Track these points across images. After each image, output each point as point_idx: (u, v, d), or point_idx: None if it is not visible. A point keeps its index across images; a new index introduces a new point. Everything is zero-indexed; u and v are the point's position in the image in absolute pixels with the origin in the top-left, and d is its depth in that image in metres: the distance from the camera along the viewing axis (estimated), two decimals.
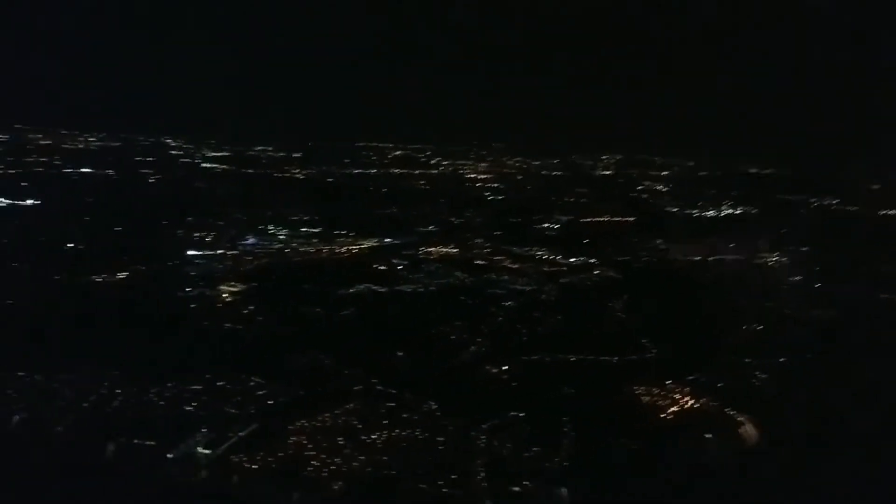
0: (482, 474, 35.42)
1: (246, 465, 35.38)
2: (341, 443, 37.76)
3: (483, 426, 40.12)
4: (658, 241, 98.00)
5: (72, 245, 79.72)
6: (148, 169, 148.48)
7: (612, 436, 40.14)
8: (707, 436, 41.18)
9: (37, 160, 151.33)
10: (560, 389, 46.45)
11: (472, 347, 53.41)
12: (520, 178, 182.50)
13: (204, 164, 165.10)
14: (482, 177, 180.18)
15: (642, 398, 45.83)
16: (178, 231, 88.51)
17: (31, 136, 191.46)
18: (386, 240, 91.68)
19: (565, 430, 40.31)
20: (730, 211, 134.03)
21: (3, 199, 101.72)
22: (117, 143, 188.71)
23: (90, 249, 77.88)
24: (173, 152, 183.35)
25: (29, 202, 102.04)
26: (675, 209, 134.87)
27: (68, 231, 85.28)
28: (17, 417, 39.46)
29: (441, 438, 38.66)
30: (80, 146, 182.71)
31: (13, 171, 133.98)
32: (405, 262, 79.32)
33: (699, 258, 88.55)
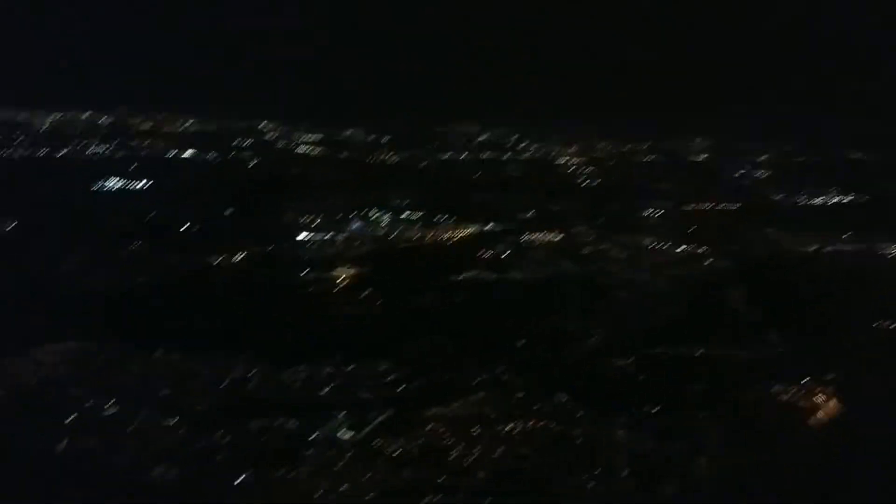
0: (627, 470, 34.68)
1: (387, 451, 35.51)
2: (477, 433, 37.55)
3: (619, 420, 39.29)
4: (768, 231, 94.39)
5: (185, 228, 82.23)
6: (246, 153, 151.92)
7: (757, 435, 38.80)
8: (853, 436, 39.38)
9: (140, 143, 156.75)
10: (691, 385, 45.20)
11: (593, 339, 52.46)
12: (611, 163, 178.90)
13: (298, 150, 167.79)
14: (573, 161, 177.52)
15: (780, 396, 44.14)
16: (285, 215, 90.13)
17: (131, 119, 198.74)
18: (486, 226, 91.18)
19: (706, 427, 39.11)
20: (838, 199, 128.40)
21: (115, 181, 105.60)
22: (213, 127, 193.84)
23: (204, 232, 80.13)
24: (268, 136, 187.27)
25: (140, 184, 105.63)
26: (780, 196, 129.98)
27: (181, 213, 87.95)
28: (161, 394, 40.78)
29: (578, 431, 38.01)
30: (179, 129, 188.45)
31: (121, 153, 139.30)
32: (509, 250, 78.74)
33: (814, 248, 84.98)
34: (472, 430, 37.75)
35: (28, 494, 31.91)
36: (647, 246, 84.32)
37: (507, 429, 38.04)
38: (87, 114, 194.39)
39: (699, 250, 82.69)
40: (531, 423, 38.88)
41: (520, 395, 42.29)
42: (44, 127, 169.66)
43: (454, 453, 35.53)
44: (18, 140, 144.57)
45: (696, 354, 50.12)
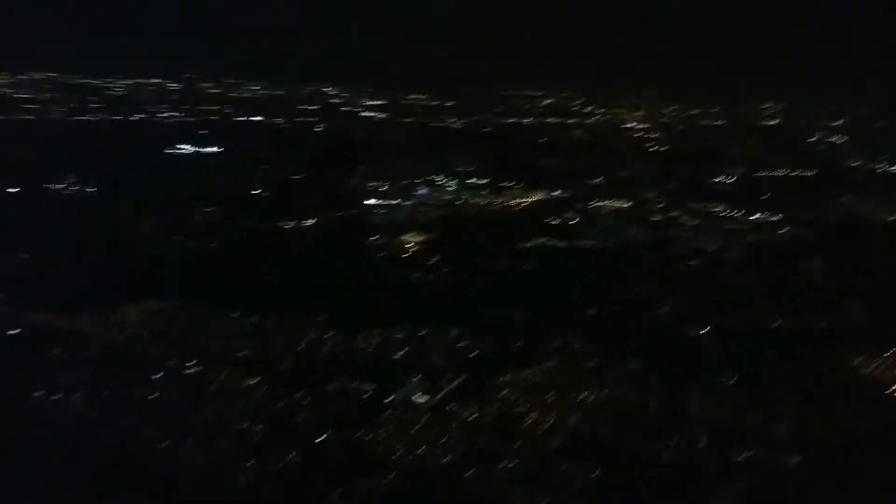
0: (703, 440, 34.34)
1: (462, 416, 35.87)
2: (551, 400, 37.59)
3: (695, 390, 38.82)
4: (844, 198, 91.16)
5: (257, 192, 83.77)
6: (313, 118, 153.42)
7: (837, 406, 37.89)
8: None
9: (209, 108, 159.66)
10: (767, 354, 44.28)
11: (665, 308, 51.75)
12: (681, 127, 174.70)
13: (363, 113, 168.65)
14: (640, 126, 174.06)
15: (860, 369, 42.93)
16: (352, 180, 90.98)
17: (200, 84, 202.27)
18: (554, 192, 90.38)
19: (785, 397, 38.36)
20: None
21: (187, 146, 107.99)
22: (281, 92, 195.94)
23: (274, 196, 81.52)
24: (333, 101, 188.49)
25: (211, 149, 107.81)
26: (857, 163, 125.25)
27: (251, 178, 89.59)
28: (241, 354, 41.93)
29: (652, 400, 37.71)
30: (247, 95, 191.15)
31: (191, 119, 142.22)
32: (579, 217, 78.00)
33: (894, 217, 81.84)
34: (546, 397, 37.77)
35: (119, 444, 33.33)
36: (719, 213, 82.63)
37: (581, 396, 37.89)
38: (156, 80, 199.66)
39: (773, 218, 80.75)
40: (605, 391, 38.64)
41: (592, 363, 42.00)
42: (117, 92, 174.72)
43: (528, 420, 35.66)
44: (93, 105, 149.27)
45: (774, 325, 48.91)
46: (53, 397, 36.46)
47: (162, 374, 39.28)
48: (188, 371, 39.54)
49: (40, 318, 45.44)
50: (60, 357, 40.70)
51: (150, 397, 36.88)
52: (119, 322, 45.23)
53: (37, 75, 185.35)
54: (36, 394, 36.55)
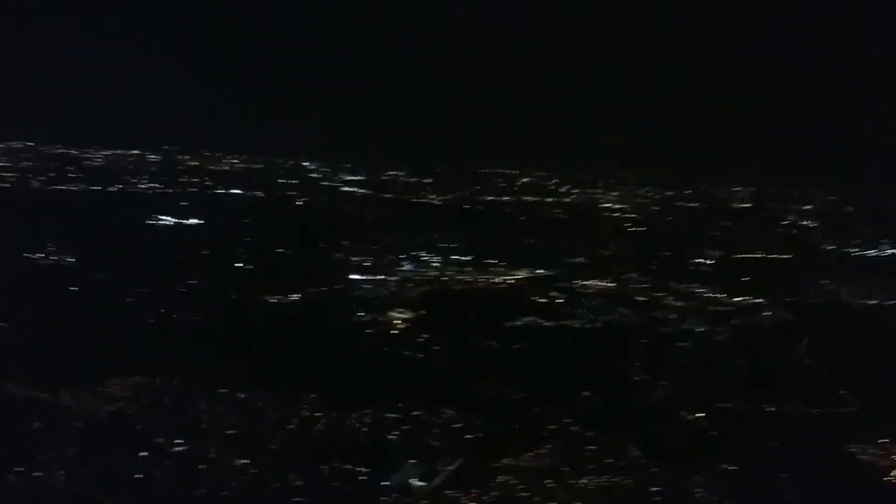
0: None
1: (463, 502, 34.74)
2: (551, 486, 36.66)
3: (696, 477, 38.12)
4: (824, 282, 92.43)
5: (239, 265, 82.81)
6: (293, 191, 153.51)
7: (839, 494, 37.41)
8: None
9: (189, 180, 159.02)
10: (765, 441, 43.87)
11: (659, 391, 51.39)
12: (656, 208, 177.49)
13: (343, 188, 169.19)
14: (617, 206, 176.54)
15: (859, 456, 42.62)
16: (335, 254, 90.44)
17: (178, 156, 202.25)
18: (538, 271, 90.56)
19: (786, 486, 37.80)
20: (892, 251, 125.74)
21: (168, 218, 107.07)
22: (259, 165, 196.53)
23: (258, 270, 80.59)
24: (313, 175, 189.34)
25: (192, 221, 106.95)
26: (832, 247, 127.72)
27: (234, 251, 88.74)
28: (230, 432, 40.56)
29: (654, 488, 36.90)
30: (226, 168, 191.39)
31: (170, 191, 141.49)
32: (564, 296, 77.99)
33: (875, 302, 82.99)
34: (546, 482, 36.82)
35: None
36: (702, 294, 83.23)
37: (581, 483, 37.00)
38: (135, 151, 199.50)
39: (756, 300, 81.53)
40: (604, 477, 37.81)
41: (591, 447, 41.22)
42: (97, 163, 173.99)
43: None
44: (72, 175, 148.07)
45: (768, 410, 48.68)
46: (34, 474, 34.68)
47: (148, 452, 37.67)
48: (176, 449, 37.98)
49: (19, 390, 43.82)
50: (41, 432, 38.95)
51: (136, 476, 35.25)
52: (102, 396, 43.72)
53: (14, 144, 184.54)
54: (16, 469, 34.74)
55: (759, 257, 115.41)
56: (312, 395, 45.55)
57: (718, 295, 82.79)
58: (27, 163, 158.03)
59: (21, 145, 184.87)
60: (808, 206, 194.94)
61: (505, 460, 39.12)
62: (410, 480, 36.43)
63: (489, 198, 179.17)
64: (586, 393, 49.64)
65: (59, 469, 35.42)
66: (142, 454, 37.27)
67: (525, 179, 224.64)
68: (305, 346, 56.21)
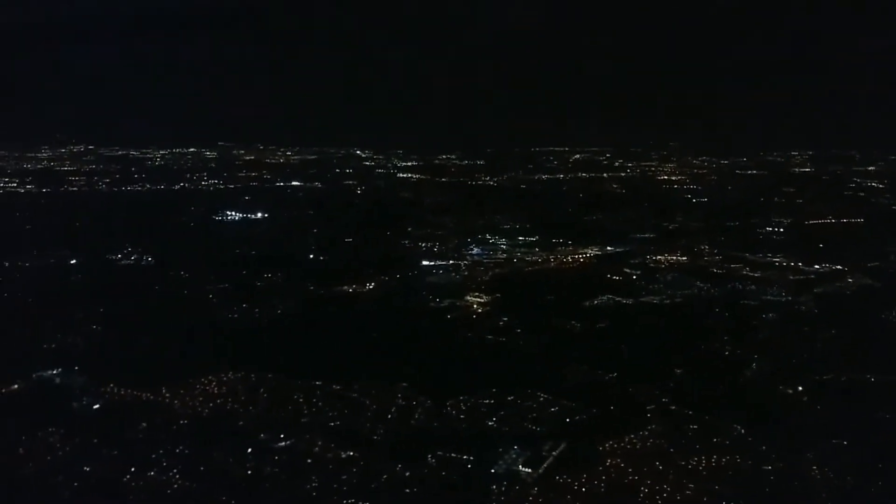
0: None
1: (574, 487, 34.37)
2: (661, 468, 36.03)
3: (809, 454, 37.08)
4: None
5: (311, 256, 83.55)
6: (350, 180, 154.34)
7: None
8: None
9: (248, 174, 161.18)
10: (873, 413, 42.45)
11: (753, 365, 50.19)
12: (713, 178, 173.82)
13: (400, 174, 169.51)
14: (675, 178, 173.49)
15: None
16: (403, 241, 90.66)
17: (234, 151, 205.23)
18: (607, 248, 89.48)
19: None
20: None
21: (235, 213, 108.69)
22: (313, 157, 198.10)
23: (330, 260, 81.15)
24: (366, 163, 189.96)
25: (259, 215, 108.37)
26: None
27: (304, 242, 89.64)
28: (331, 424, 40.81)
29: (768, 467, 36.00)
30: (281, 160, 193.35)
31: (232, 186, 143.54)
32: (638, 272, 76.87)
33: None
34: (656, 464, 36.18)
35: None
36: (779, 264, 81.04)
37: (690, 464, 36.28)
38: (191, 149, 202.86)
39: (836, 267, 79.04)
40: (714, 457, 37.01)
41: (693, 426, 40.42)
42: (156, 162, 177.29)
43: (644, 490, 34.02)
44: (136, 176, 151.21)
45: (871, 380, 47.14)
46: (149, 474, 35.40)
47: (254, 448, 38.09)
48: (281, 444, 38.37)
49: (119, 392, 44.80)
50: (148, 432, 39.74)
51: (248, 473, 35.71)
52: (201, 394, 44.37)
53: (76, 148, 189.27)
54: (132, 470, 35.52)
55: (830, 222, 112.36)
56: (404, 384, 45.36)
57: (796, 263, 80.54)
58: (91, 166, 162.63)
59: (82, 148, 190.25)
60: (871, 168, 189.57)
61: (608, 443, 38.47)
62: (517, 467, 36.11)
63: (544, 176, 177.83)
64: (678, 371, 48.65)
65: (172, 468, 35.87)
66: (249, 451, 37.51)
67: (577, 156, 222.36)
68: (389, 335, 56.30)
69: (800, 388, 45.89)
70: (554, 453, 37.45)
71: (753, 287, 70.24)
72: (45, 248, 79.14)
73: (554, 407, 43.02)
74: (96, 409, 42.82)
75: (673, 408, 43.09)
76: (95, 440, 38.43)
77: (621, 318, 61.19)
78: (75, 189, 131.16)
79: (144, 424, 40.49)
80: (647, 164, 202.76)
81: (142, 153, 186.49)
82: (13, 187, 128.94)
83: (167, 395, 44.23)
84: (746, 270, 77.62)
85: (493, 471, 35.98)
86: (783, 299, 66.15)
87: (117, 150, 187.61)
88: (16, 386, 45.86)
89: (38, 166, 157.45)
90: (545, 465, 36.23)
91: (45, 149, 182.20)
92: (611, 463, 36.59)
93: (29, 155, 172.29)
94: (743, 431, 39.75)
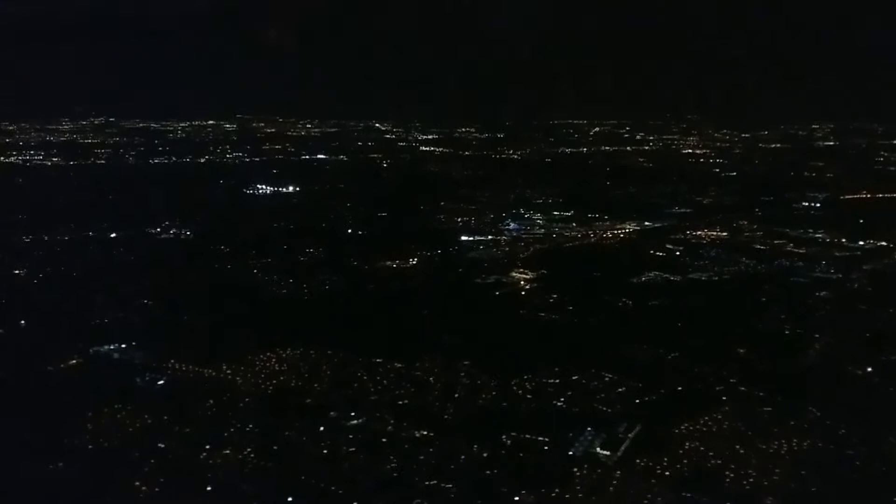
0: None
1: (658, 471, 33.77)
2: (742, 452, 35.39)
3: (892, 439, 36.37)
4: None
5: (349, 231, 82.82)
6: (375, 153, 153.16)
7: None
8: None
9: (271, 147, 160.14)
10: None
11: (815, 345, 49.37)
12: (738, 151, 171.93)
13: (423, 148, 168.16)
14: (699, 151, 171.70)
15: None
16: (439, 215, 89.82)
17: (254, 124, 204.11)
18: (645, 223, 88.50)
19: None
20: None
21: (266, 186, 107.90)
22: (334, 129, 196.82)
23: (369, 235, 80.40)
24: (387, 136, 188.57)
25: (290, 188, 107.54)
26: None
27: (340, 216, 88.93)
28: (401, 402, 40.31)
29: (852, 451, 35.31)
30: (302, 133, 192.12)
31: (258, 159, 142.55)
32: (680, 248, 75.94)
33: None
34: (736, 448, 35.55)
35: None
36: (823, 240, 79.77)
37: (772, 448, 35.64)
38: (211, 122, 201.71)
39: (881, 243, 77.71)
40: (794, 440, 36.34)
41: (766, 408, 39.74)
42: (178, 135, 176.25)
43: (729, 474, 33.42)
44: (161, 149, 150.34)
45: None
46: (224, 452, 35.04)
47: (325, 426, 37.67)
48: (353, 423, 37.93)
49: (181, 368, 44.44)
50: (216, 408, 39.39)
51: (324, 452, 35.29)
52: (262, 370, 43.96)
53: (97, 120, 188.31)
54: (207, 447, 35.18)
55: (866, 197, 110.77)
56: (466, 362, 44.82)
57: (839, 239, 79.16)
58: (115, 138, 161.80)
59: (103, 121, 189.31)
60: (895, 141, 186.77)
61: (683, 425, 37.85)
62: (594, 449, 35.56)
63: (567, 150, 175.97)
64: (741, 350, 47.89)
65: (246, 446, 35.50)
66: (322, 429, 37.11)
67: (596, 129, 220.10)
68: (441, 312, 55.66)
69: (868, 370, 45.02)
70: (630, 435, 36.84)
71: (801, 264, 69.20)
72: (82, 221, 78.59)
73: (620, 387, 42.33)
74: (160, 385, 42.35)
75: (742, 388, 42.35)
76: (165, 417, 38.05)
77: (672, 295, 60.28)
78: (102, 161, 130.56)
79: (211, 401, 40.13)
80: (669, 137, 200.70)
81: (162, 125, 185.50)
82: (39, 160, 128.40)
83: (228, 371, 43.85)
84: (791, 247, 76.57)
85: (570, 453, 35.42)
86: (834, 276, 65.09)
87: (138, 123, 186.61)
88: (74, 362, 45.51)
89: (62, 139, 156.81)
90: (623, 448, 35.63)
91: (65, 121, 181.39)
92: (690, 446, 35.94)
93: (49, 127, 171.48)
94: (819, 414, 38.98)
